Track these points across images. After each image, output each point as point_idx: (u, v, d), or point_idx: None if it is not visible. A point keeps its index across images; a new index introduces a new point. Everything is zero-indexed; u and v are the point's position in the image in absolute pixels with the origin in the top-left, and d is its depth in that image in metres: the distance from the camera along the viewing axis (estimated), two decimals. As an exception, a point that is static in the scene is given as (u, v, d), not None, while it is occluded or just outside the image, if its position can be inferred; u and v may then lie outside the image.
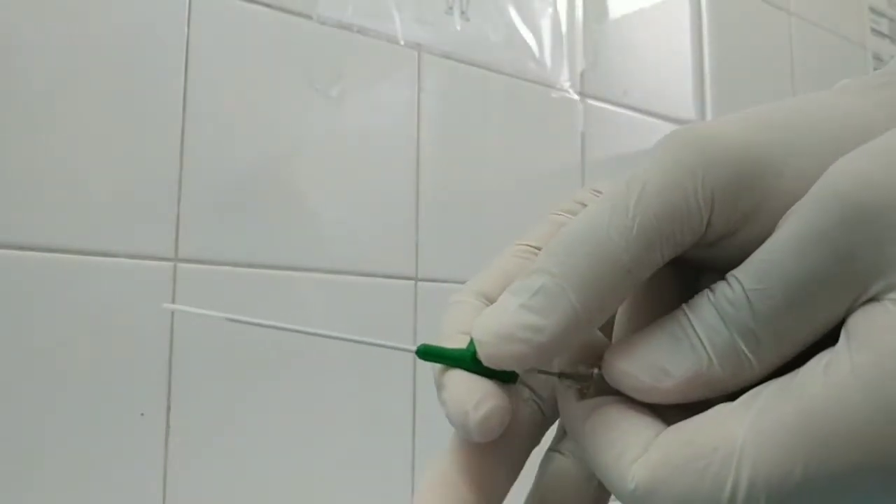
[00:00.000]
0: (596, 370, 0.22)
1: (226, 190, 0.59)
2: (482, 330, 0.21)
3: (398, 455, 0.67)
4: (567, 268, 0.20)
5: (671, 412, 0.21)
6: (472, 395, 0.21)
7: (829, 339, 0.19)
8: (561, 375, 0.22)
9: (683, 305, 0.20)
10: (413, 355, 0.23)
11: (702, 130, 0.20)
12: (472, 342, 0.22)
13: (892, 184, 0.18)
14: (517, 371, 0.22)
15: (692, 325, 0.20)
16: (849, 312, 0.19)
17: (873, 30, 1.20)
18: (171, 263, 0.56)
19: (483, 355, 0.21)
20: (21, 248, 0.51)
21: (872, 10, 1.21)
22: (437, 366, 0.23)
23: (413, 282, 0.69)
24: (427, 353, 0.22)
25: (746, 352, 0.19)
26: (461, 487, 0.23)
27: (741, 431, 0.18)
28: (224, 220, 0.59)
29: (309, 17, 0.65)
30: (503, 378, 0.22)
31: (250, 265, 0.60)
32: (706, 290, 0.20)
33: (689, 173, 0.20)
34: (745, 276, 0.19)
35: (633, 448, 0.20)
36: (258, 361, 0.60)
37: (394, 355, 0.66)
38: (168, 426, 0.55)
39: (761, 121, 0.21)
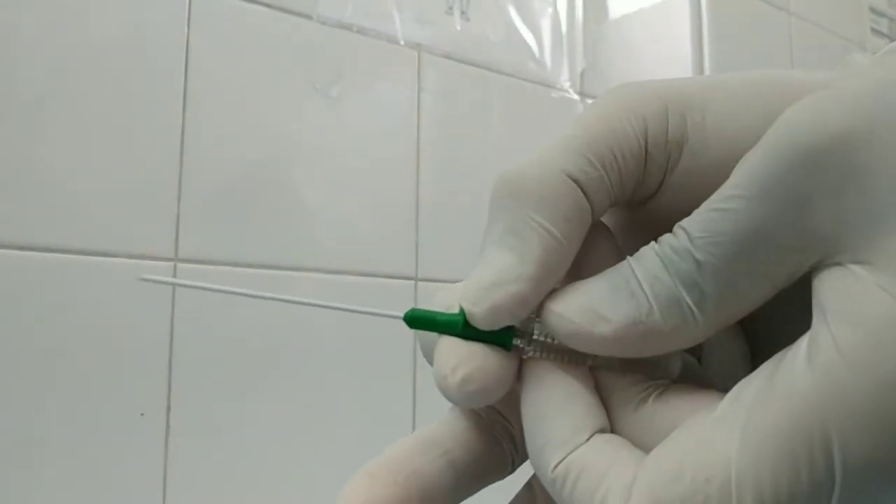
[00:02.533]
0: (536, 324, 0.20)
1: (226, 190, 0.59)
2: (466, 289, 0.20)
3: (398, 455, 0.66)
4: (522, 197, 0.20)
5: (618, 390, 0.20)
6: (452, 357, 0.20)
7: (786, 309, 0.18)
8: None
9: (628, 257, 0.20)
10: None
11: (632, 81, 0.21)
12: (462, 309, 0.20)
13: (848, 128, 0.17)
14: (515, 322, 0.20)
15: (634, 273, 0.19)
16: (808, 272, 0.18)
17: (873, 30, 1.20)
18: (171, 263, 0.56)
19: (476, 314, 0.20)
20: (21, 248, 0.51)
21: (872, 10, 1.21)
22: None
23: (413, 282, 0.69)
24: (415, 320, 0.21)
25: (690, 304, 0.18)
26: (387, 480, 0.22)
27: (732, 451, 0.17)
28: (224, 220, 0.59)
29: (309, 17, 0.65)
30: (498, 343, 0.20)
31: (250, 265, 0.60)
32: (652, 242, 0.19)
33: (622, 105, 0.20)
34: (691, 224, 0.18)
35: (557, 449, 0.19)
36: (258, 361, 0.60)
37: (394, 355, 0.66)
38: (168, 426, 0.55)
39: (689, 77, 0.22)
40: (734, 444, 0.17)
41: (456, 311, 0.21)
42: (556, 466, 0.19)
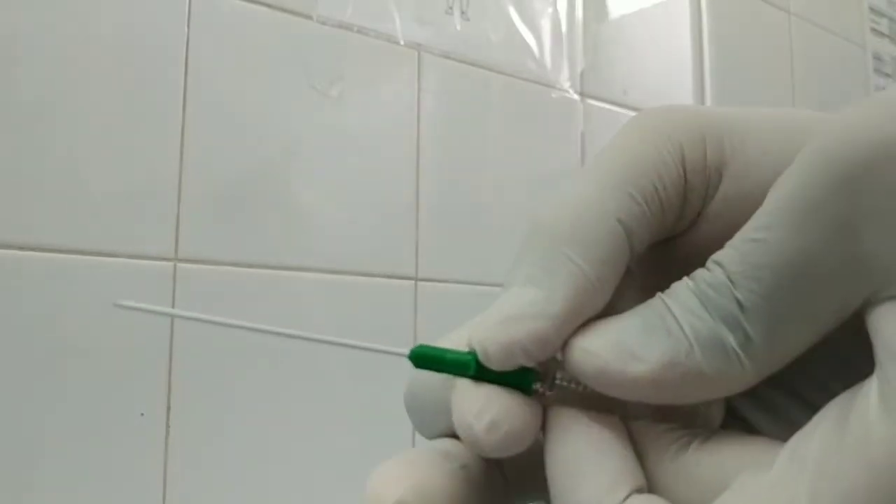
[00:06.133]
0: (559, 367, 0.18)
1: (226, 190, 0.59)
2: (482, 323, 0.18)
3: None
4: (557, 229, 0.18)
5: (653, 445, 0.18)
6: (474, 402, 0.18)
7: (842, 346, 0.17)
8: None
9: (659, 293, 0.18)
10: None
11: (661, 106, 0.20)
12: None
13: (889, 137, 0.15)
14: (534, 363, 0.18)
15: (669, 309, 0.17)
16: (863, 306, 0.16)
17: (873, 30, 1.20)
18: (171, 263, 0.56)
19: (489, 351, 0.17)
20: (21, 248, 0.51)
21: (872, 10, 1.21)
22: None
23: (413, 282, 0.69)
24: (421, 358, 0.19)
25: (735, 346, 0.16)
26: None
27: None
28: (224, 220, 0.59)
29: (309, 17, 0.64)
30: (516, 387, 0.18)
31: (250, 265, 0.60)
32: (685, 278, 0.17)
33: (655, 131, 0.19)
34: (726, 257, 0.17)
35: None
36: (258, 362, 0.60)
37: (393, 357, 0.66)
38: (168, 426, 0.55)
39: (717, 106, 0.20)
40: (803, 498, 0.15)
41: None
42: None
